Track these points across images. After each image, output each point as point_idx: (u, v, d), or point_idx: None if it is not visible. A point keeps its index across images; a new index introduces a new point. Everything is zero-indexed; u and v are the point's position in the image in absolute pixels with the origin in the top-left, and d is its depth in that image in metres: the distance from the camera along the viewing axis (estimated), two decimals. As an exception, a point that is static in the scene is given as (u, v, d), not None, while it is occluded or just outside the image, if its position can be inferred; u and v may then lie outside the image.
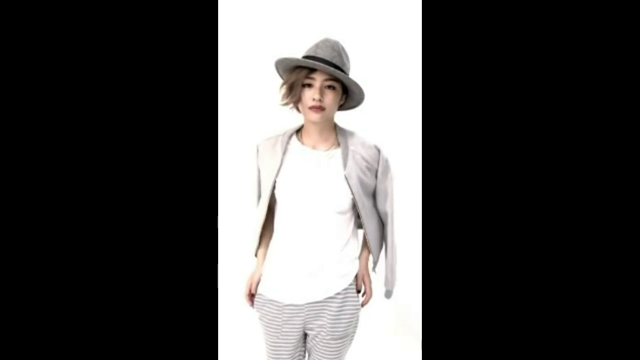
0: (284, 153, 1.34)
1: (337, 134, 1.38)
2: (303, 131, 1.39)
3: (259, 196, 1.48)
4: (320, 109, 1.25)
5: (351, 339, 1.41)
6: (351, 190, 1.30)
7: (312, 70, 1.23)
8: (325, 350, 1.35)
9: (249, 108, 2.13)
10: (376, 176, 1.40)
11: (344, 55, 1.28)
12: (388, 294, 1.50)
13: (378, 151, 1.40)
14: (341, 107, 1.37)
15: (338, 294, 1.33)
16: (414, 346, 2.45)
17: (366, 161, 1.36)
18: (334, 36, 1.32)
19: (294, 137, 1.39)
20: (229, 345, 2.22)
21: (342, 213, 1.32)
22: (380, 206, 1.44)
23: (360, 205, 1.33)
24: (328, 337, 1.33)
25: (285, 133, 1.39)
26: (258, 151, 1.45)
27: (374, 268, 1.51)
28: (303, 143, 1.37)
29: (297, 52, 1.32)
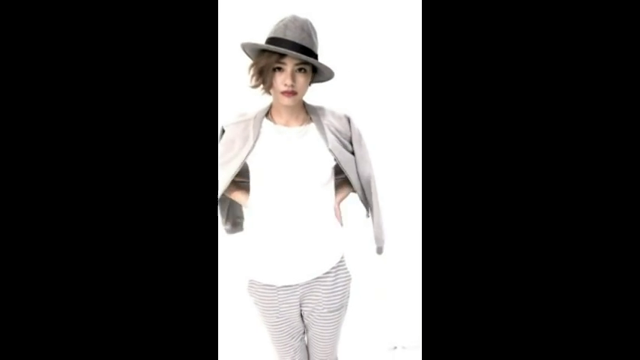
0: (256, 138, 1.30)
1: (308, 110, 1.36)
2: (273, 111, 1.36)
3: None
4: (292, 93, 1.22)
5: (346, 309, 1.43)
6: (338, 159, 1.30)
7: (283, 54, 1.18)
8: (324, 323, 1.39)
9: (248, 108, 2.13)
10: (351, 143, 1.40)
11: (313, 35, 1.23)
12: (380, 250, 1.50)
13: (348, 120, 1.40)
14: (312, 81, 1.34)
15: (332, 268, 1.35)
16: (414, 350, 2.45)
17: (339, 132, 1.36)
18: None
19: (265, 119, 1.35)
20: (229, 345, 2.22)
21: (325, 184, 1.32)
22: (360, 171, 1.41)
23: (346, 169, 1.33)
24: (325, 311, 1.37)
25: (255, 117, 1.34)
26: (223, 132, 1.40)
27: (367, 214, 1.51)
28: (275, 123, 1.34)
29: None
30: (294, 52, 1.16)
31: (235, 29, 2.03)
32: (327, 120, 1.34)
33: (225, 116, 1.85)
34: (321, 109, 1.38)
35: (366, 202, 1.46)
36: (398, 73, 2.45)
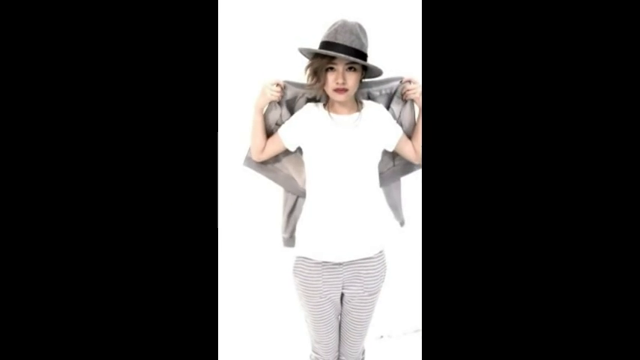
0: (313, 120, 1.46)
1: (357, 102, 1.51)
2: (329, 105, 1.49)
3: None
4: (344, 90, 1.36)
5: (379, 294, 1.57)
6: (402, 125, 1.54)
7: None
8: (363, 306, 1.51)
9: (248, 106, 2.13)
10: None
11: (362, 36, 1.36)
12: (403, 222, 1.76)
13: (394, 84, 1.58)
14: (364, 78, 1.47)
15: (375, 256, 1.49)
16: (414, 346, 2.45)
17: (384, 116, 1.53)
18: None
19: (322, 108, 1.50)
20: (229, 345, 2.22)
21: (375, 169, 1.48)
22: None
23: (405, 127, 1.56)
24: (366, 294, 1.49)
25: (316, 105, 1.50)
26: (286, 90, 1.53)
27: (402, 224, 1.76)
28: (329, 113, 1.48)
29: (302, 42, 1.41)
30: (342, 55, 1.30)
31: (235, 29, 2.02)
32: (373, 110, 1.51)
33: (226, 116, 1.85)
34: (370, 104, 1.55)
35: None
36: (397, 73, 2.45)
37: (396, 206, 1.75)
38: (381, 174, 1.60)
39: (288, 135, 1.50)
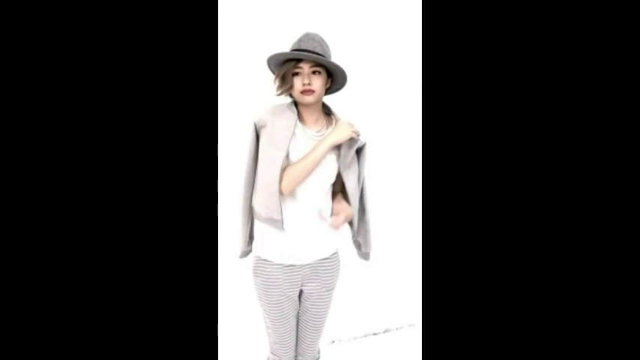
0: (294, 129, 1.46)
1: (325, 116, 1.57)
2: (300, 115, 1.53)
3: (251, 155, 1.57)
4: (310, 91, 1.44)
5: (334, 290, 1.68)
6: (339, 167, 1.53)
7: (299, 60, 1.44)
8: (321, 302, 1.64)
9: (249, 106, 2.13)
10: (357, 153, 1.57)
11: (324, 45, 1.49)
12: (367, 256, 1.73)
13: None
14: (327, 91, 1.55)
15: (332, 255, 1.61)
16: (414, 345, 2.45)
17: (349, 140, 1.52)
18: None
19: (297, 120, 1.51)
20: (229, 345, 2.22)
21: (331, 184, 1.56)
22: (350, 175, 1.59)
23: (344, 177, 1.54)
24: (324, 290, 1.62)
25: (289, 107, 1.51)
26: (255, 129, 1.53)
27: (353, 237, 1.71)
28: (304, 124, 1.52)
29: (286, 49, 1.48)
30: (307, 54, 1.41)
31: (235, 30, 2.03)
32: None
33: (225, 116, 1.85)
34: (335, 115, 1.59)
35: (359, 208, 1.66)
36: (398, 75, 2.45)
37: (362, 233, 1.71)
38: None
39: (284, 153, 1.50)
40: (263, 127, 1.50)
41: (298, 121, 1.50)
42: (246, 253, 1.68)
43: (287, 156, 1.45)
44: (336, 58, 1.54)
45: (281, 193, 1.48)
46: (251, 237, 1.65)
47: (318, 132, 1.52)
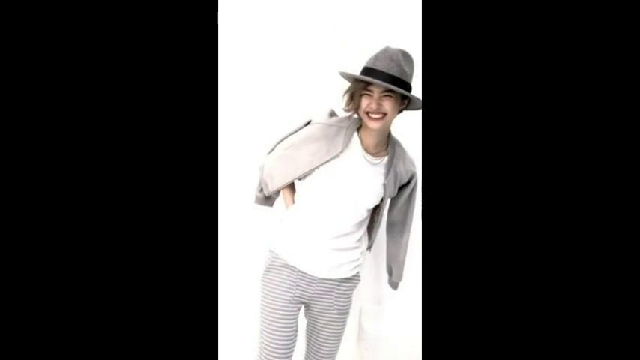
0: (343, 149, 1.41)
1: (389, 144, 1.49)
2: (363, 130, 1.45)
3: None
4: (379, 118, 1.34)
5: (348, 316, 1.59)
6: (385, 196, 1.49)
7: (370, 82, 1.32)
8: (332, 325, 1.53)
9: (249, 105, 2.13)
10: (400, 189, 1.55)
11: (404, 64, 1.34)
12: (396, 285, 1.69)
13: (415, 171, 1.56)
14: (405, 108, 1.43)
15: (350, 278, 1.52)
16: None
17: (401, 175, 1.51)
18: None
19: (356, 135, 1.45)
20: (229, 345, 2.22)
21: (369, 211, 1.51)
22: (396, 212, 1.60)
23: (384, 207, 1.52)
24: (335, 312, 1.51)
25: (349, 127, 1.44)
26: (306, 125, 1.50)
27: (369, 248, 1.67)
28: (362, 143, 1.44)
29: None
30: (377, 81, 1.29)
31: (235, 30, 2.02)
32: (398, 159, 1.49)
33: (225, 116, 1.85)
34: (400, 147, 1.52)
35: (374, 237, 1.64)
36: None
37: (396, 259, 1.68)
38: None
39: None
40: (316, 131, 1.44)
41: (358, 139, 1.43)
42: (258, 199, 1.62)
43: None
44: (337, 58, 1.53)
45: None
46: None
47: (376, 158, 1.45)
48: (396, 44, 2.45)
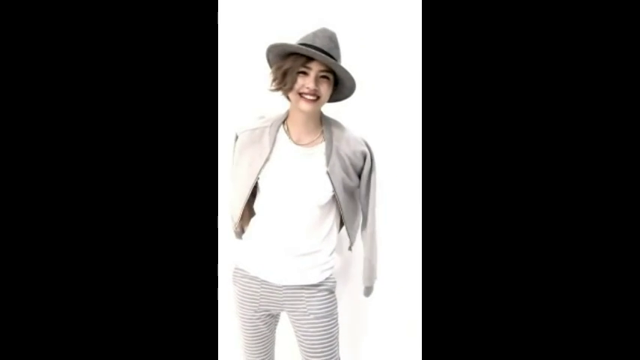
0: (272, 148, 1.33)
1: (323, 127, 1.37)
2: (289, 121, 1.37)
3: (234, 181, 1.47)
4: (315, 98, 1.23)
5: (336, 321, 1.44)
6: (333, 187, 1.33)
7: (309, 59, 1.21)
8: (314, 330, 1.38)
9: (249, 105, 2.13)
10: (359, 175, 1.42)
11: (339, 47, 1.27)
12: (368, 291, 1.52)
13: (367, 150, 1.41)
14: (329, 99, 1.34)
15: (318, 285, 1.38)
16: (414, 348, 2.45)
17: (350, 159, 1.37)
18: (335, 33, 1.29)
19: (282, 129, 1.36)
20: (229, 345, 2.22)
21: (322, 207, 1.36)
22: (362, 202, 1.46)
23: (340, 199, 1.36)
24: (312, 317, 1.37)
25: (272, 124, 1.36)
26: (237, 139, 1.42)
27: (350, 247, 1.55)
28: (290, 136, 1.35)
29: (292, 40, 1.28)
30: (322, 54, 1.19)
31: (235, 30, 2.02)
32: (339, 142, 1.36)
33: (225, 116, 1.85)
34: (338, 127, 1.39)
35: (352, 236, 1.51)
36: (398, 77, 2.45)
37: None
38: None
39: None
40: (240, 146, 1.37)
41: (284, 132, 1.34)
42: (237, 233, 1.54)
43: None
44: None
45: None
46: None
47: (310, 147, 1.34)
48: (396, 44, 2.44)
